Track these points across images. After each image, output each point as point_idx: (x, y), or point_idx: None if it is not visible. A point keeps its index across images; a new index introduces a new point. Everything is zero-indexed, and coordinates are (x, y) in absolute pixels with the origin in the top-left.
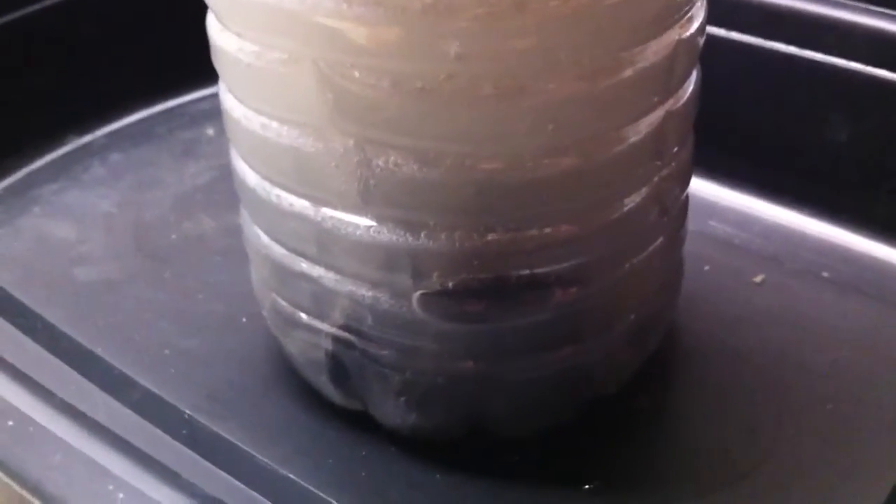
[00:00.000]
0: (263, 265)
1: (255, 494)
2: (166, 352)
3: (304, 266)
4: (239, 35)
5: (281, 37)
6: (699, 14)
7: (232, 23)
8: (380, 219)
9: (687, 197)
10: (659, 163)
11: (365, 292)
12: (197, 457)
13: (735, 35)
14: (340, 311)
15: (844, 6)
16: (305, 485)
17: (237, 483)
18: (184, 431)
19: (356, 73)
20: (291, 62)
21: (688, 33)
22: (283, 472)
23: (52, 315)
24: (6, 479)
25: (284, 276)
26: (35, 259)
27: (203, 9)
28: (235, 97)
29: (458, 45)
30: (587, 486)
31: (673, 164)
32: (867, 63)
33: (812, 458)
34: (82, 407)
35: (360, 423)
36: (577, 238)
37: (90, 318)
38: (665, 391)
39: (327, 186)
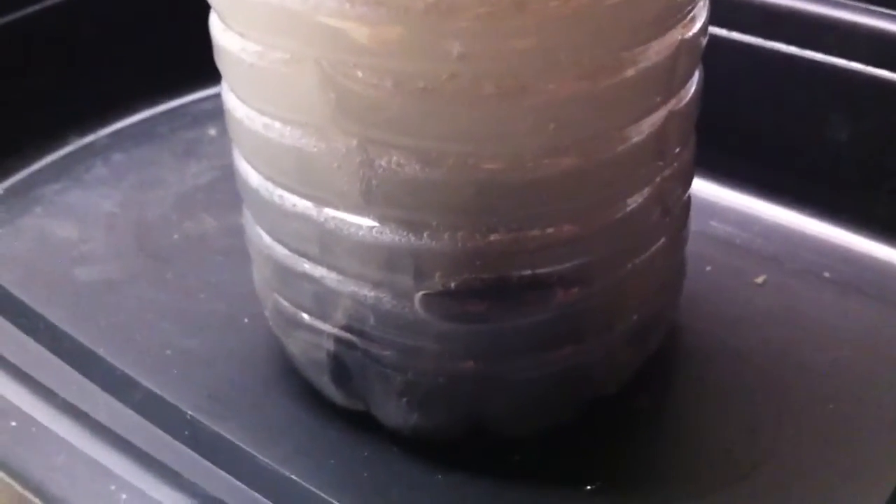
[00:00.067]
0: (265, 265)
1: (257, 495)
2: (168, 352)
3: (307, 266)
4: (242, 35)
5: (283, 37)
6: (701, 14)
7: (235, 23)
8: (382, 219)
9: (689, 197)
10: (661, 163)
11: (367, 293)
12: (198, 457)
13: (736, 35)
14: (342, 311)
15: (845, 6)
16: (307, 485)
17: (238, 483)
18: (185, 432)
19: (359, 73)
20: (294, 62)
21: (690, 33)
22: (285, 472)
23: (54, 315)
24: (8, 480)
25: (286, 277)
26: (37, 259)
27: (205, 9)
28: (238, 97)
29: (460, 44)
30: (588, 487)
31: (675, 164)
32: (867, 63)
33: (812, 458)
34: (84, 407)
35: (361, 423)
36: (579, 238)
37: (92, 318)
38: (666, 391)
39: (330, 187)
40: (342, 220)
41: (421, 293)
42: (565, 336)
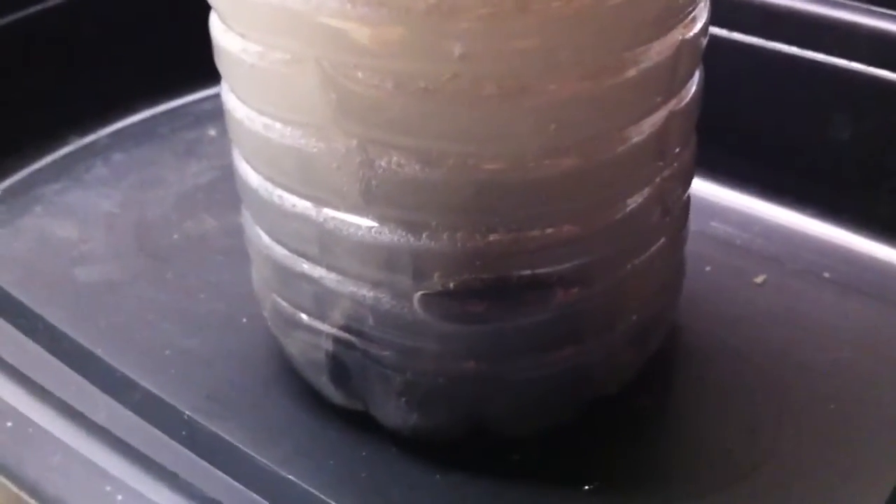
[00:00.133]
0: (265, 265)
1: (255, 496)
2: (167, 352)
3: (306, 267)
4: (242, 35)
5: (284, 37)
6: (702, 14)
7: (235, 23)
8: (381, 219)
9: (689, 197)
10: (661, 163)
11: (366, 293)
12: (196, 458)
13: (736, 35)
14: (341, 311)
15: (845, 6)
16: (306, 486)
17: (237, 484)
18: (183, 432)
19: (359, 74)
20: (295, 63)
21: (691, 34)
22: (284, 472)
23: (53, 315)
24: (4, 481)
25: (286, 277)
26: (36, 259)
27: (206, 9)
28: (238, 98)
29: (462, 45)
30: (588, 487)
31: (675, 164)
32: (868, 63)
33: (812, 458)
34: (82, 408)
35: (360, 423)
36: (579, 238)
37: (91, 318)
38: (666, 391)
39: (329, 187)
40: (341, 221)
41: (420, 293)
42: (565, 336)
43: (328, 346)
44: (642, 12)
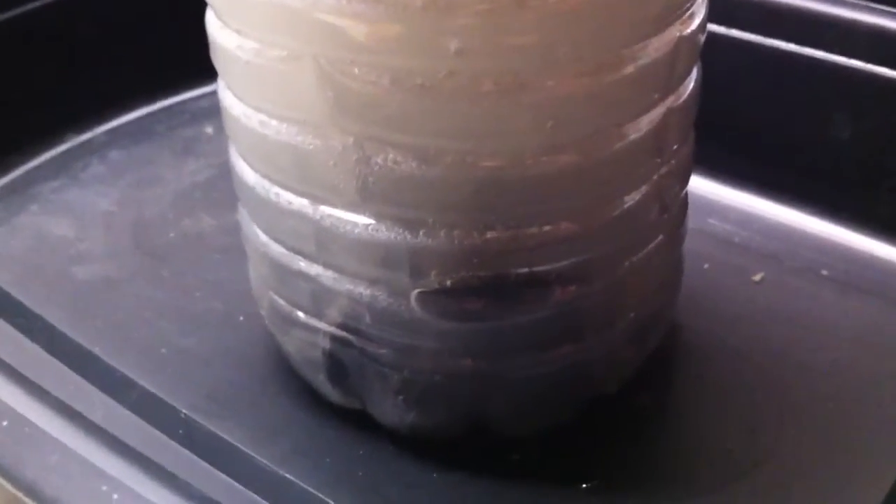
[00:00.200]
0: (262, 263)
1: (253, 495)
2: (164, 351)
3: (303, 264)
4: (238, 32)
5: (281, 34)
6: (700, 11)
7: (231, 20)
8: (378, 217)
9: (687, 194)
10: (659, 160)
11: (363, 291)
12: (194, 457)
13: (735, 32)
14: (338, 309)
15: (845, 4)
16: (303, 484)
17: (234, 483)
18: (181, 431)
19: (356, 71)
20: (291, 59)
21: (689, 30)
22: (281, 471)
23: (50, 314)
24: (1, 481)
25: (283, 275)
26: (33, 258)
27: (202, 6)
28: (234, 95)
29: (459, 41)
30: (587, 485)
31: (673, 161)
32: (868, 61)
33: (812, 457)
34: (79, 407)
35: (358, 421)
36: (577, 236)
37: (88, 317)
38: (665, 389)
39: (326, 184)
40: (338, 218)
41: (417, 291)
42: (563, 334)
43: (325, 344)
44: (640, 9)
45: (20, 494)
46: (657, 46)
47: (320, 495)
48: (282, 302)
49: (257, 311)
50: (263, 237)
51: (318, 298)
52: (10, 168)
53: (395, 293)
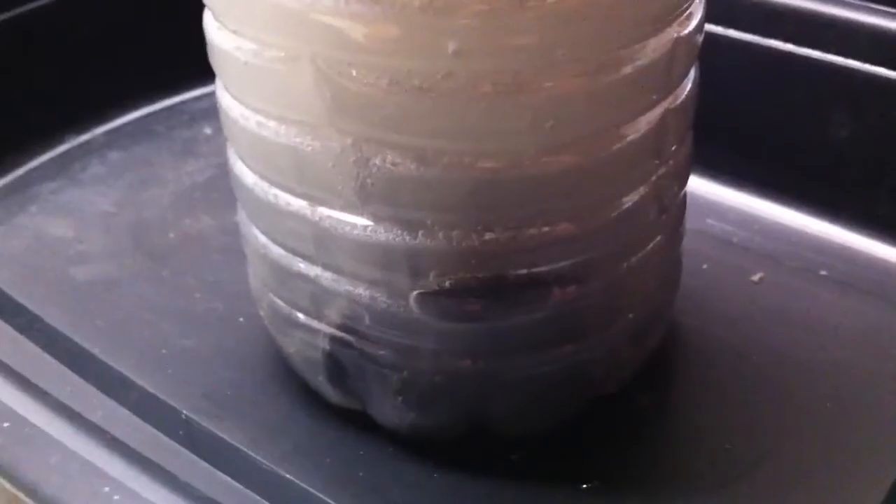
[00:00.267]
0: (261, 265)
1: (253, 495)
2: (164, 351)
3: (302, 266)
4: (236, 33)
5: (278, 35)
6: (698, 12)
7: (229, 21)
8: (377, 218)
9: (685, 195)
10: (657, 161)
11: (362, 292)
12: (194, 457)
13: (733, 33)
14: (338, 310)
15: (843, 4)
16: (304, 485)
17: (235, 483)
18: (181, 432)
19: (354, 72)
20: (289, 60)
21: (686, 31)
22: (281, 472)
23: (50, 315)
24: (2, 481)
25: (282, 276)
26: (32, 258)
27: (200, 7)
28: (232, 95)
29: (457, 42)
30: (587, 485)
31: (671, 162)
32: (866, 61)
33: (812, 458)
34: (79, 408)
35: (358, 422)
36: (576, 237)
37: (88, 317)
38: (665, 389)
39: (324, 185)
40: (337, 219)
41: (416, 292)
42: (562, 334)
43: (325, 345)
44: (638, 9)
45: (21, 495)
46: (655, 47)
47: (321, 495)
48: (281, 303)
49: (257, 311)
50: (262, 238)
51: (318, 300)
52: (9, 169)
53: (395, 294)
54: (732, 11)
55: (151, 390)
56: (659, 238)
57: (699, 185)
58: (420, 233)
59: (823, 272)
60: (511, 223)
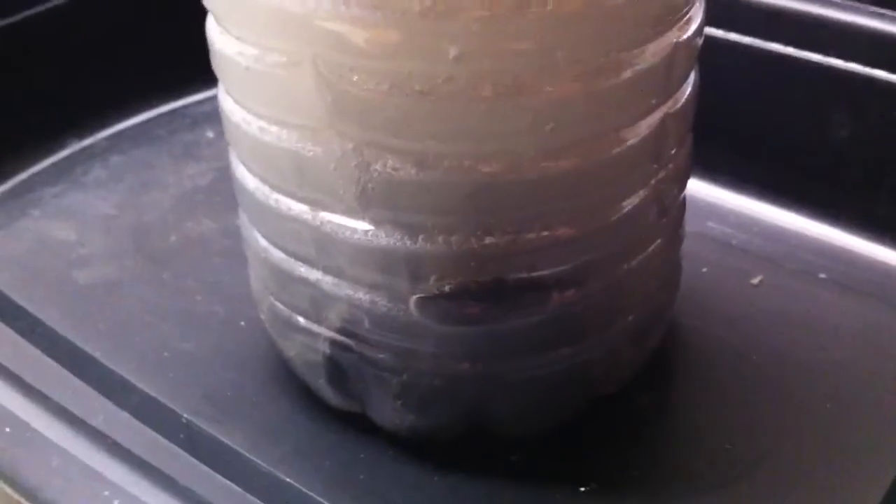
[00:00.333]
0: (262, 268)
1: (254, 498)
2: (165, 354)
3: (302, 270)
4: (238, 38)
5: (280, 39)
6: (697, 16)
7: (231, 25)
8: (377, 222)
9: (685, 198)
10: (657, 165)
11: (362, 296)
12: (195, 461)
13: (734, 36)
14: (338, 314)
15: (842, 7)
16: (304, 488)
17: (235, 487)
18: (181, 435)
19: (355, 76)
20: (290, 65)
21: (686, 35)
22: (281, 474)
23: (51, 318)
24: (2, 485)
25: (283, 280)
26: (35, 262)
27: (203, 11)
28: (234, 100)
29: (457, 47)
30: (586, 487)
31: (671, 165)
32: (866, 64)
33: (812, 458)
34: (80, 411)
35: (358, 424)
36: (576, 240)
37: (89, 320)
38: (665, 391)
39: (325, 190)
40: (338, 224)
41: (416, 296)
42: (562, 337)
43: (325, 348)
44: (638, 13)
45: (22, 499)
46: (655, 51)
47: (320, 498)
48: (282, 306)
49: (258, 314)
50: (263, 242)
51: (318, 303)
52: (11, 173)
53: (395, 298)
54: (732, 14)
55: (152, 393)
56: (659, 241)
57: (699, 188)
58: (420, 237)
59: (823, 275)
60: (511, 227)
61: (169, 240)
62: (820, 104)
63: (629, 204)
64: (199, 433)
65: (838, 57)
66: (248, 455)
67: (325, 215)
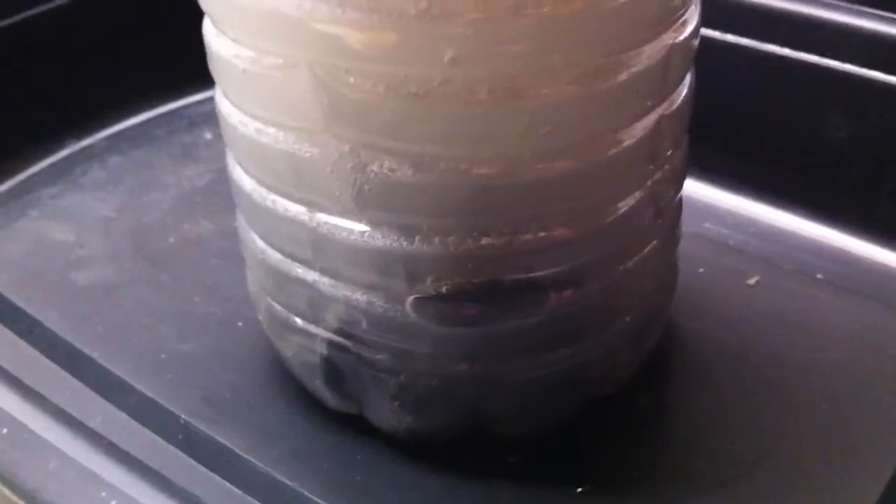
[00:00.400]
0: (259, 269)
1: (251, 499)
2: (163, 356)
3: (300, 271)
4: (235, 40)
5: (277, 42)
6: (693, 18)
7: (228, 28)
8: (374, 223)
9: (681, 199)
10: (653, 166)
11: (359, 297)
12: (193, 462)
13: (730, 37)
14: (335, 315)
15: (838, 8)
16: (301, 489)
17: (232, 488)
18: (179, 436)
19: (351, 79)
20: (287, 67)
21: (682, 37)
22: (279, 476)
23: (49, 319)
24: (0, 487)
25: (280, 281)
26: (33, 263)
27: (201, 12)
28: (231, 102)
29: (453, 49)
30: (585, 488)
31: (667, 166)
32: (862, 65)
33: (810, 458)
34: (78, 412)
35: (355, 426)
36: (572, 241)
37: (87, 322)
38: (662, 392)
39: (322, 191)
40: (334, 225)
41: (413, 297)
42: (559, 338)
43: (322, 349)
44: (634, 16)
45: (20, 502)
46: (650, 53)
47: (318, 500)
48: (279, 307)
49: (256, 315)
50: (261, 243)
51: (315, 304)
52: (10, 174)
53: (391, 299)
54: (729, 15)
55: (150, 394)
56: (655, 242)
57: (696, 189)
58: (417, 238)
59: (819, 275)
60: (507, 228)
61: (167, 241)
62: (817, 105)
63: (625, 205)
64: (196, 434)
65: (835, 58)
66: (245, 456)
67: (322, 216)
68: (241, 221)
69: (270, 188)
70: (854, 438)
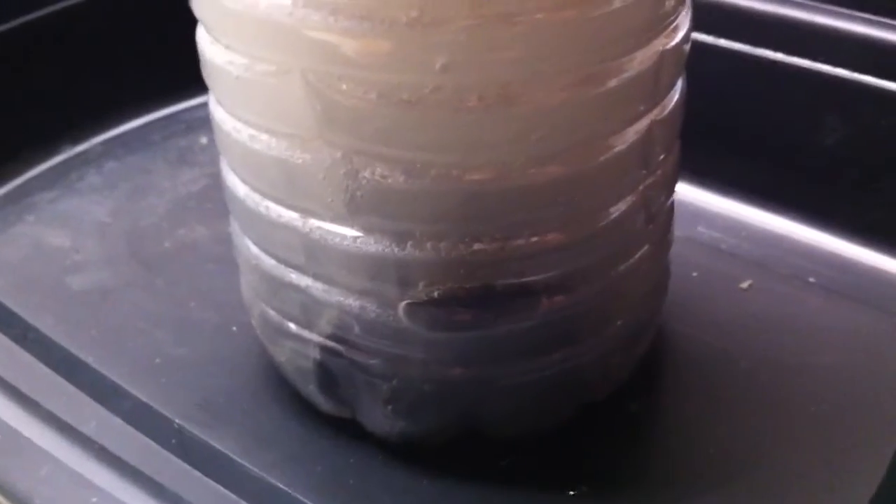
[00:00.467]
0: (253, 275)
1: (244, 503)
2: (157, 360)
3: (293, 276)
4: (228, 47)
5: (270, 49)
6: (684, 24)
7: (221, 35)
8: (366, 229)
9: (673, 203)
10: (645, 171)
11: (352, 302)
12: (187, 466)
13: (723, 42)
14: (328, 320)
15: (831, 13)
16: (294, 493)
17: (227, 492)
18: (173, 441)
19: (343, 86)
20: (280, 74)
21: (673, 43)
22: (273, 480)
23: (44, 324)
24: None
25: (273, 286)
26: (29, 267)
27: (195, 18)
28: (225, 109)
29: (445, 57)
30: (578, 491)
31: (659, 172)
32: (854, 69)
33: (801, 461)
34: (72, 417)
35: (348, 430)
36: (564, 246)
37: (82, 326)
38: (655, 395)
39: (315, 197)
40: (327, 231)
41: (405, 302)
42: (551, 342)
43: (316, 354)
44: (625, 23)
45: None
46: (642, 59)
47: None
48: (273, 313)
49: (250, 321)
50: (254, 249)
51: (309, 310)
52: (6, 178)
53: (384, 304)
54: (721, 21)
55: (144, 399)
56: (647, 247)
57: (688, 193)
58: (409, 244)
59: (812, 279)
60: (499, 234)
61: (162, 246)
62: (809, 109)
63: (617, 210)
64: (191, 438)
65: (827, 62)
66: (239, 460)
67: (315, 222)
68: (234, 227)
69: (264, 194)
70: (846, 441)
